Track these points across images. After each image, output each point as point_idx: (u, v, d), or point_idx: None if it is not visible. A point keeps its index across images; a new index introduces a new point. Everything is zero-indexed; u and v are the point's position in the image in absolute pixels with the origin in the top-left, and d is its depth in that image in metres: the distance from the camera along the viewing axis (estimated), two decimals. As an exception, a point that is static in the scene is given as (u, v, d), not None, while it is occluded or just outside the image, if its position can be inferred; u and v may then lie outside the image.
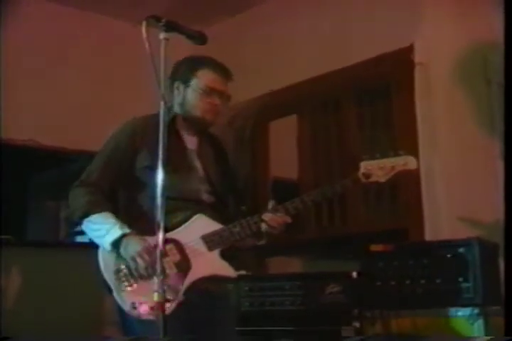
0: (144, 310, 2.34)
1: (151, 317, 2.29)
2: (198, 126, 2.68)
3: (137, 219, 2.52)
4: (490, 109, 4.23)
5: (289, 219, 2.56)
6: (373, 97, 4.43)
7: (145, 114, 2.67)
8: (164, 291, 2.03)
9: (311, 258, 4.86)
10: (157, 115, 2.16)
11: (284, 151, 5.06)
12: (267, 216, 2.54)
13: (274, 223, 2.54)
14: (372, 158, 2.52)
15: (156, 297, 2.02)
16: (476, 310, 3.16)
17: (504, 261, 1.41)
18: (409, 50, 4.09)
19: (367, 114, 4.46)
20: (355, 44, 4.41)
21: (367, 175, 2.52)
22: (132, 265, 2.40)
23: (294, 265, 4.84)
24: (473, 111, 4.19)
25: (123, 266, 2.43)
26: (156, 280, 2.04)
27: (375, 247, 3.54)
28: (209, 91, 2.61)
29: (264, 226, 2.55)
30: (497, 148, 4.17)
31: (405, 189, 4.11)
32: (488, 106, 4.22)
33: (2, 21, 4.40)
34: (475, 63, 4.20)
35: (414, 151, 3.86)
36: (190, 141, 2.69)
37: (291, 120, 4.93)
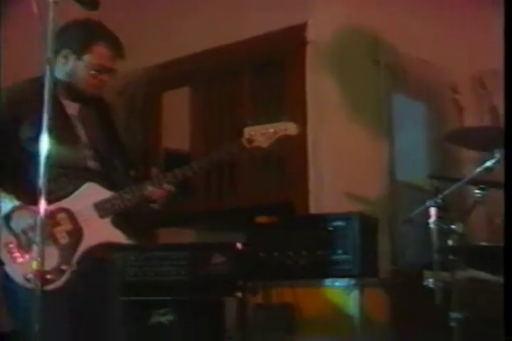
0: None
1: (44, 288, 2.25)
2: (81, 96, 2.64)
3: (26, 190, 2.46)
4: (377, 88, 4.36)
5: (172, 188, 2.57)
6: (266, 71, 4.49)
7: (20, 80, 2.58)
8: (43, 259, 2.01)
9: (200, 229, 4.91)
10: (35, 80, 2.08)
11: (177, 122, 5.06)
12: (148, 188, 2.53)
13: (156, 196, 2.55)
14: (255, 123, 2.57)
15: (34, 265, 2.00)
16: (353, 281, 3.31)
17: (504, 261, 1.49)
18: (303, 27, 4.17)
19: (259, 87, 4.51)
20: (251, 19, 4.43)
21: (250, 141, 2.56)
22: (23, 237, 2.36)
23: (184, 236, 4.87)
24: (362, 89, 4.32)
25: (14, 238, 2.39)
26: (36, 248, 2.02)
27: (260, 219, 3.62)
28: (100, 69, 2.57)
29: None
30: (383, 126, 4.33)
31: (293, 163, 4.21)
32: (376, 85, 4.35)
33: None
34: (364, 43, 4.32)
35: (302, 124, 3.97)
36: (71, 107, 2.64)
37: (184, 91, 4.92)
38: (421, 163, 4.65)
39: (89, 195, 2.50)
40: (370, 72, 4.34)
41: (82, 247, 2.44)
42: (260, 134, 2.56)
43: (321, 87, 4.17)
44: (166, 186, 2.55)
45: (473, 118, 4.57)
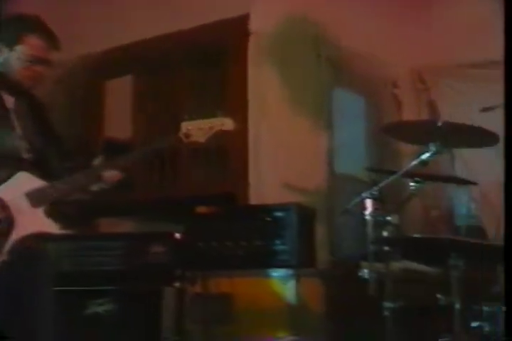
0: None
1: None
2: (16, 88, 2.63)
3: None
4: (319, 81, 4.40)
5: (119, 175, 2.59)
6: (208, 62, 4.48)
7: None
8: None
9: (141, 219, 4.88)
10: None
11: (119, 111, 5.02)
12: (101, 172, 2.55)
13: (108, 179, 2.56)
14: (192, 118, 2.59)
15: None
16: (290, 272, 3.34)
17: (504, 261, 1.51)
18: (245, 19, 4.17)
19: (200, 77, 4.51)
20: (193, 8, 4.42)
21: (187, 135, 2.59)
22: None
23: (125, 226, 4.83)
24: (303, 82, 4.35)
25: None
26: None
27: (200, 209, 3.63)
28: (33, 60, 2.56)
29: (96, 182, 2.57)
30: (323, 119, 4.37)
31: (234, 155, 4.22)
32: (317, 79, 4.39)
33: None
34: (306, 36, 4.34)
35: (243, 117, 3.98)
36: (8, 100, 2.64)
37: (126, 80, 4.88)
38: (360, 155, 4.72)
39: (22, 184, 2.49)
40: (311, 65, 4.37)
41: (14, 237, 2.42)
42: (197, 129, 2.59)
43: (262, 80, 4.19)
44: (115, 173, 2.57)
45: (411, 113, 4.66)
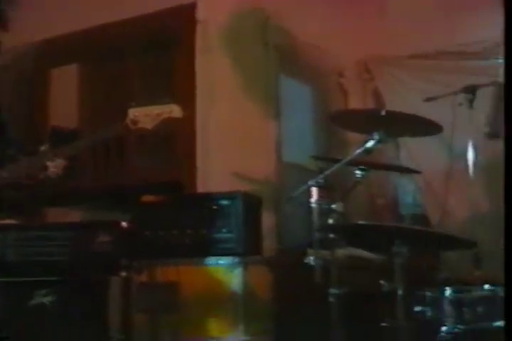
0: None
1: None
2: None
3: None
4: (267, 70, 4.41)
5: (65, 164, 2.57)
6: (156, 50, 4.45)
7: None
8: None
9: (88, 208, 4.83)
10: None
11: (65, 99, 4.95)
12: (46, 160, 2.52)
13: (53, 168, 2.53)
14: (140, 105, 2.57)
15: None
16: (237, 259, 3.36)
17: (504, 260, 1.53)
18: (193, 6, 4.15)
19: (148, 65, 4.47)
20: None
21: (134, 122, 2.57)
22: None
23: (73, 215, 4.78)
24: (251, 71, 4.35)
25: None
26: None
27: (146, 198, 3.61)
28: None
29: (42, 170, 2.54)
30: (270, 108, 4.39)
31: (181, 143, 4.21)
32: (265, 67, 4.39)
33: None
34: (254, 25, 4.34)
35: (191, 104, 3.97)
36: None
37: (73, 68, 4.82)
38: (308, 144, 4.75)
39: None
40: (259, 54, 4.38)
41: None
42: (144, 116, 2.57)
43: (210, 68, 4.18)
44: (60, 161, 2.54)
45: (357, 102, 4.71)
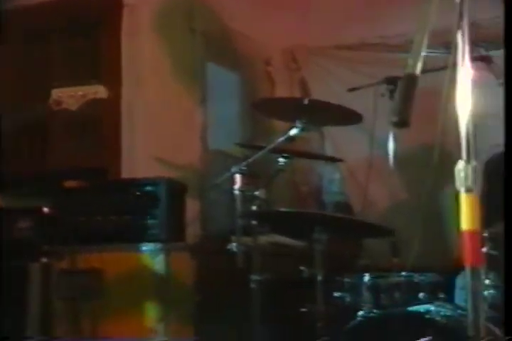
0: None
1: None
2: None
3: None
4: (193, 56, 4.39)
5: None
6: (82, 32, 4.37)
7: None
8: None
9: (9, 194, 4.73)
10: None
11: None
12: None
13: None
14: (64, 85, 2.53)
15: None
16: (159, 246, 3.35)
17: (504, 260, 1.54)
18: (120, -10, 4.10)
19: (74, 47, 4.39)
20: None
21: (58, 103, 2.52)
22: None
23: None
24: (178, 56, 4.33)
25: None
26: None
27: (69, 183, 3.56)
28: None
29: None
30: (197, 94, 4.38)
31: (106, 127, 4.16)
32: (191, 53, 4.38)
33: None
34: (182, 10, 4.32)
35: (116, 88, 3.92)
36: None
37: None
38: (234, 131, 4.77)
39: None
40: (186, 39, 4.36)
41: None
42: (68, 96, 2.52)
43: (137, 51, 4.13)
44: None
45: (284, 91, 4.74)
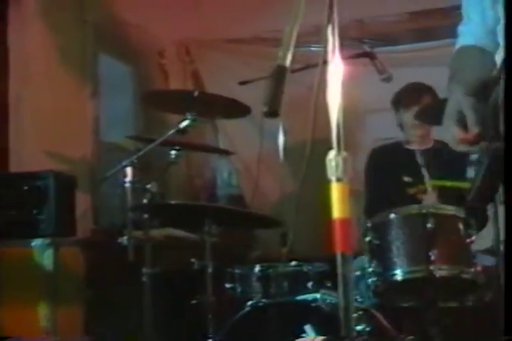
0: None
1: None
2: None
3: None
4: (85, 48, 4.31)
5: None
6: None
7: None
8: None
9: None
10: None
11: None
12: None
13: None
14: None
15: None
16: (48, 241, 3.29)
17: (504, 259, 1.52)
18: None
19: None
20: None
21: None
22: None
23: None
24: (69, 47, 4.24)
25: None
26: None
27: (-49, 178, 3.43)
28: None
29: None
30: (88, 86, 4.30)
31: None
32: (83, 45, 4.30)
33: None
34: (71, 1, 4.23)
35: (4, 80, 3.80)
36: None
37: None
38: (127, 124, 4.72)
39: None
40: (76, 30, 4.27)
41: None
42: None
43: (25, 42, 4.01)
44: None
45: (177, 84, 4.73)
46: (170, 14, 4.63)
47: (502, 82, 1.57)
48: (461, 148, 1.70)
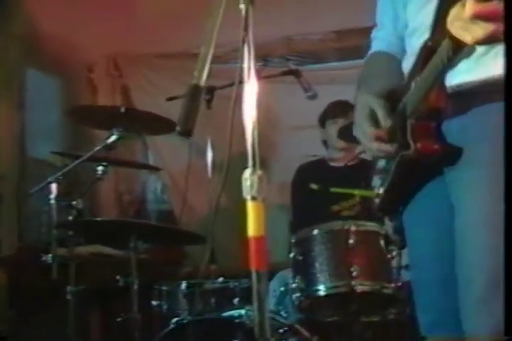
0: None
1: None
2: None
3: None
4: (9, 60, 4.22)
5: None
6: None
7: None
8: None
9: None
10: None
11: None
12: None
13: None
14: None
15: None
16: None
17: (504, 258, 1.50)
18: None
19: None
20: None
21: None
22: None
23: None
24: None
25: None
26: None
27: None
28: None
29: None
30: (13, 100, 4.21)
31: None
32: (7, 58, 4.21)
33: None
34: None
35: None
36: None
37: None
38: (55, 139, 4.63)
39: None
40: (2, 43, 4.18)
41: None
42: None
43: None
44: None
45: (106, 99, 4.68)
46: (100, 28, 4.59)
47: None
48: (375, 146, 1.73)
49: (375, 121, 1.74)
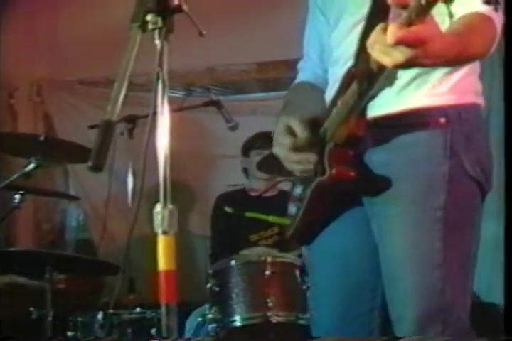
0: None
1: None
2: None
3: None
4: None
5: None
6: None
7: None
8: None
9: None
10: None
11: None
12: None
13: None
14: None
15: None
16: None
17: (504, 258, 1.45)
18: None
19: None
20: None
21: None
22: None
23: None
24: None
25: None
26: None
27: None
28: None
29: None
30: None
31: None
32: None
33: None
34: None
35: None
36: None
37: None
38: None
39: None
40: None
41: None
42: None
43: None
44: None
45: (27, 125, 4.59)
46: (21, 53, 4.53)
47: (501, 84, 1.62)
48: (295, 157, 1.71)
49: (292, 134, 1.72)
